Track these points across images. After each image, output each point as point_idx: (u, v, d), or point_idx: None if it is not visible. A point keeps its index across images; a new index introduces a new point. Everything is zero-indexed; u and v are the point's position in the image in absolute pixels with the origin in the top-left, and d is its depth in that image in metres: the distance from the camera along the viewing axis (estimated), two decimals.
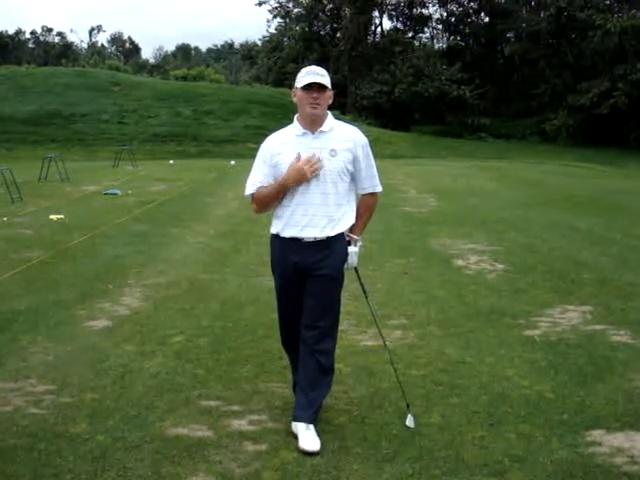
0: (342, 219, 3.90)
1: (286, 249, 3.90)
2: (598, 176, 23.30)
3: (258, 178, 3.90)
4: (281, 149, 3.85)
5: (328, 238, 3.85)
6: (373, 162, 3.99)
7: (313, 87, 3.72)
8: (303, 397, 3.88)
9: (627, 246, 9.66)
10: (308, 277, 3.88)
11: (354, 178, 3.93)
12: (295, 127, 3.88)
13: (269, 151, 3.89)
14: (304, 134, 3.83)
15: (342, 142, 3.84)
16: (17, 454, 3.65)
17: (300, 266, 3.87)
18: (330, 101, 3.84)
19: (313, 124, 3.82)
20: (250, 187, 3.93)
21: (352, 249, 3.97)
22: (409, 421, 3.96)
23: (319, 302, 3.88)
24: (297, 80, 3.78)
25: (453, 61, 51.41)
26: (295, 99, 3.85)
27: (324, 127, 3.83)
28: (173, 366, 4.94)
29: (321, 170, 3.78)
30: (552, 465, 3.52)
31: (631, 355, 5.14)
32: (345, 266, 3.97)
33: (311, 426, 3.79)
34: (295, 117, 3.90)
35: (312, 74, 3.73)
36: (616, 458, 3.60)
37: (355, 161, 3.88)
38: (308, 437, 3.73)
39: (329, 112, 3.90)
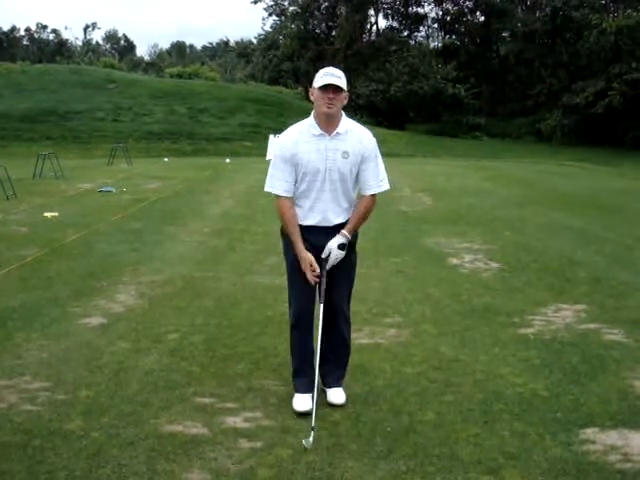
0: (349, 209, 4.18)
1: (302, 232, 4.12)
2: (593, 176, 23.35)
3: (282, 180, 4.10)
4: (299, 148, 4.05)
5: (340, 224, 4.14)
6: (380, 163, 4.21)
7: (329, 88, 3.93)
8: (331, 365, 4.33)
9: (621, 245, 9.69)
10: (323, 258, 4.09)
11: (359, 179, 4.15)
12: (312, 126, 4.07)
13: (289, 150, 4.07)
14: (321, 135, 4.04)
15: (354, 145, 4.07)
16: (11, 451, 3.65)
17: (315, 245, 4.10)
18: (345, 102, 4.04)
19: (328, 124, 4.03)
20: (275, 187, 4.13)
21: (332, 244, 4.07)
22: (306, 443, 3.72)
23: (337, 274, 4.15)
24: (315, 80, 3.99)
25: (448, 60, 51.52)
26: (312, 97, 4.04)
27: (340, 129, 4.05)
28: (168, 363, 4.94)
29: (335, 170, 4.04)
30: (546, 463, 3.53)
31: (624, 354, 5.16)
32: (324, 256, 4.09)
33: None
34: (312, 114, 4.10)
35: (329, 75, 3.94)
36: (610, 456, 3.61)
37: (363, 162, 4.11)
38: (336, 393, 4.27)
39: (343, 113, 4.10)
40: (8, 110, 36.97)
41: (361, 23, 55.36)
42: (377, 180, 4.16)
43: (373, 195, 4.17)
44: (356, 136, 4.09)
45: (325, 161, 4.02)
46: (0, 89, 40.10)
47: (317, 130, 4.04)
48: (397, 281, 7.47)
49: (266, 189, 4.17)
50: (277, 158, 4.12)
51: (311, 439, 3.70)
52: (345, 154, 4.03)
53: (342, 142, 4.04)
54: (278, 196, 4.12)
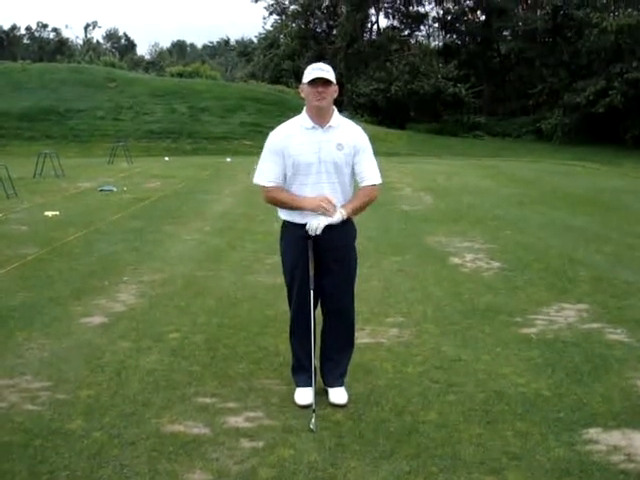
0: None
1: (301, 228, 4.09)
2: (593, 175, 23.32)
3: (270, 171, 4.13)
4: (291, 141, 4.08)
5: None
6: (373, 156, 4.24)
7: (318, 82, 3.99)
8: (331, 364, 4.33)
9: (622, 244, 9.67)
10: (324, 252, 4.08)
11: (356, 171, 4.17)
12: (304, 119, 4.12)
13: (280, 143, 4.10)
14: (314, 127, 4.08)
15: (348, 137, 4.12)
16: (12, 451, 3.63)
17: (318, 240, 4.07)
18: (335, 95, 4.10)
19: (320, 117, 4.08)
20: (262, 179, 4.16)
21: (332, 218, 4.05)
22: (313, 426, 3.90)
23: (338, 272, 4.16)
24: (304, 77, 4.05)
25: (449, 59, 51.50)
26: (303, 94, 4.10)
27: (332, 122, 4.10)
28: (169, 363, 4.93)
29: (330, 162, 4.06)
30: (549, 463, 3.52)
31: (627, 353, 5.14)
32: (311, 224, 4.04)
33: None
34: (304, 110, 4.15)
35: (317, 70, 4.02)
36: (613, 456, 3.60)
37: (357, 155, 4.13)
38: (338, 393, 4.22)
39: (334, 108, 4.15)
40: (8, 109, 36.94)
41: (362, 22, 55.33)
42: (372, 172, 4.19)
43: (374, 185, 4.18)
44: (348, 129, 4.16)
45: (319, 152, 4.05)
46: (0, 87, 40.04)
47: (310, 123, 4.09)
48: (398, 280, 7.45)
49: (255, 181, 4.20)
50: (267, 151, 4.15)
51: (313, 420, 3.88)
52: (339, 146, 4.07)
53: (336, 134, 4.09)
54: (268, 188, 4.14)
